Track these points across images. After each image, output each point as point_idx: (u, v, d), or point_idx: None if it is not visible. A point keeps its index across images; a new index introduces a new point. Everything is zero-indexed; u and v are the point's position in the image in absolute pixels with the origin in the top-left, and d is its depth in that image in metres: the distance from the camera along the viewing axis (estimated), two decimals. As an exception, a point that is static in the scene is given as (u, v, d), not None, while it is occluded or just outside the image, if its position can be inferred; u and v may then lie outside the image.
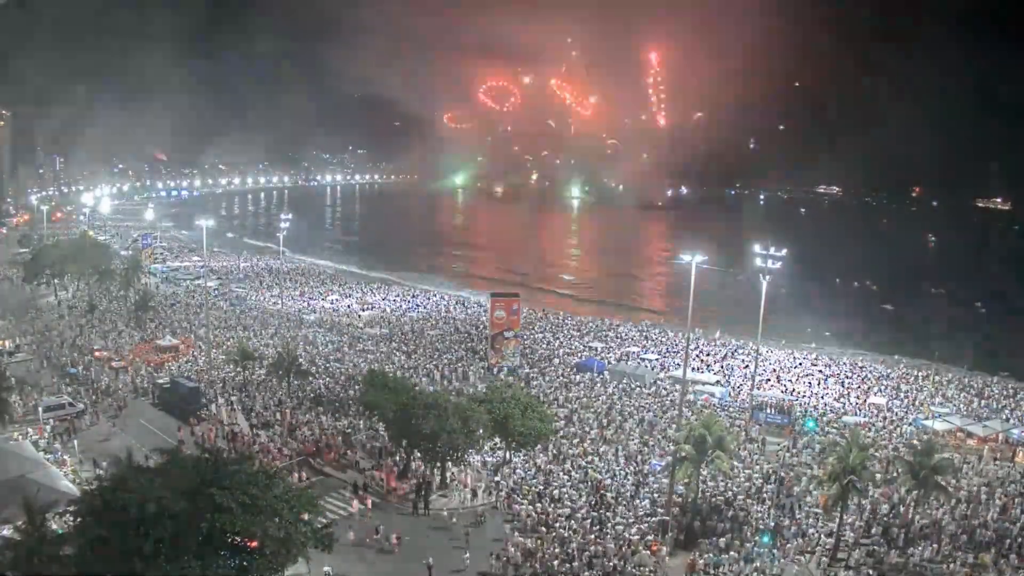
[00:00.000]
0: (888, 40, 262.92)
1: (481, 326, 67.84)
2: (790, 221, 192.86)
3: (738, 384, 54.81)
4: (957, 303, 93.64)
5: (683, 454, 33.47)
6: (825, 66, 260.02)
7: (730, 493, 36.21)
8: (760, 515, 34.16)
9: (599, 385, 52.49)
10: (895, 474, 35.73)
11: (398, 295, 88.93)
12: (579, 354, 61.85)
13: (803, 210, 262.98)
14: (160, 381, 49.92)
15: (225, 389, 50.12)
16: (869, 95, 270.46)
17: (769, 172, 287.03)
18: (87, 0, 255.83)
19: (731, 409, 48.61)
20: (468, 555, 30.78)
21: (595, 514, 33.96)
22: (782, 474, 38.28)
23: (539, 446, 40.10)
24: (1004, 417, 48.21)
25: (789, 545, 31.94)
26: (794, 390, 53.54)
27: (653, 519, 33.53)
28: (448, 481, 38.09)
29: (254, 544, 22.74)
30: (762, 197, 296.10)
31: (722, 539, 32.18)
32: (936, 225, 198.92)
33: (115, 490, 22.01)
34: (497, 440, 40.21)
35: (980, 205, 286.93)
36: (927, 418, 46.87)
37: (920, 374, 58.64)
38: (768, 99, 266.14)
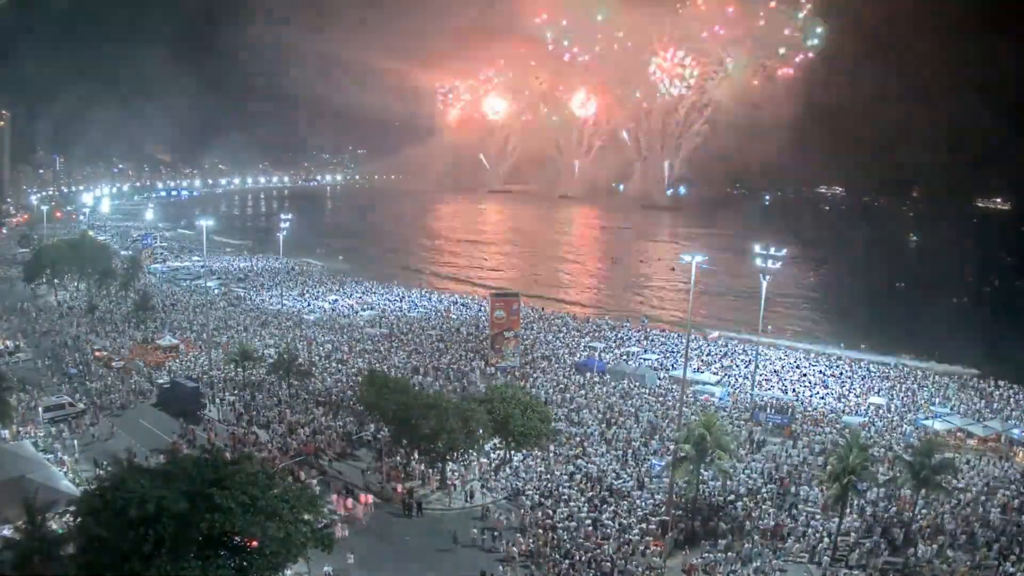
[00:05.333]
0: (889, 39, 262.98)
1: (481, 326, 67.88)
2: (792, 222, 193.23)
3: (737, 384, 54.85)
4: (951, 303, 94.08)
5: (683, 454, 33.48)
6: (825, 65, 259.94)
7: (732, 496, 36.17)
8: (760, 515, 34.15)
9: (599, 385, 52.47)
10: (897, 473, 35.70)
11: (398, 295, 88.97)
12: (579, 354, 61.87)
13: (827, 207, 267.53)
14: (160, 381, 49.95)
15: (225, 388, 50.15)
16: (871, 94, 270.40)
17: (770, 172, 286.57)
18: (87, 0, 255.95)
19: (731, 409, 48.64)
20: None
21: (595, 514, 33.96)
22: (783, 473, 38.32)
23: (539, 446, 40.11)
24: (1004, 417, 48.22)
25: (788, 545, 31.96)
26: (794, 390, 53.59)
27: (653, 519, 33.53)
28: (447, 481, 38.08)
29: (254, 544, 22.74)
30: (767, 198, 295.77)
31: (722, 539, 32.20)
32: (933, 225, 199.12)
33: (115, 490, 22.00)
34: (497, 440, 40.19)
35: (980, 205, 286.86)
36: (927, 418, 46.87)
37: (920, 374, 58.61)
38: (768, 98, 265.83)
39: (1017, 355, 61.48)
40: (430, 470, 38.59)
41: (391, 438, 39.51)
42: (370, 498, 35.80)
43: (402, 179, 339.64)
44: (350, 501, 35.07)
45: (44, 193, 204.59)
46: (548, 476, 37.92)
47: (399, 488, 37.04)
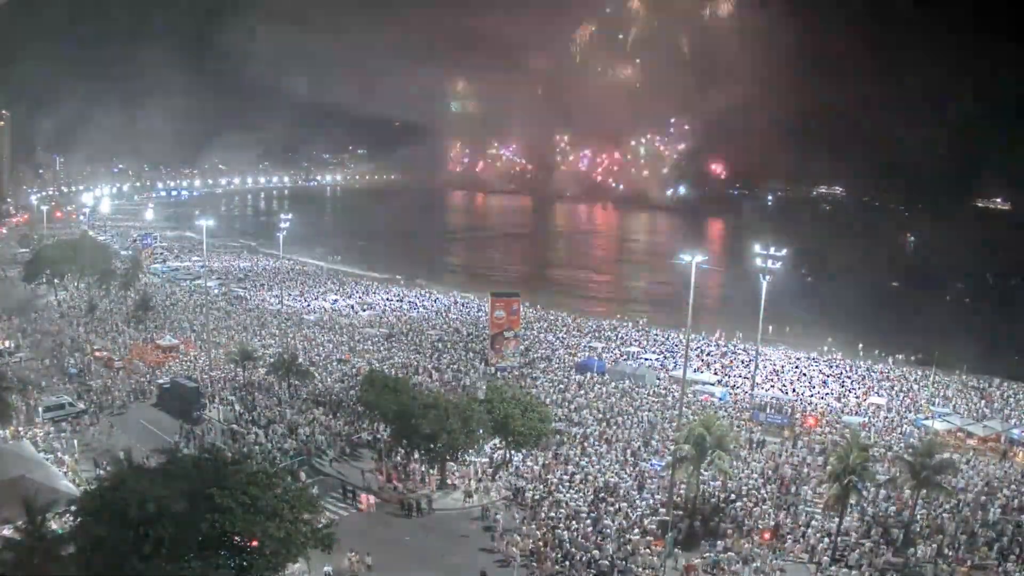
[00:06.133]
0: (889, 39, 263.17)
1: (481, 326, 67.87)
2: (797, 222, 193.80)
3: (737, 384, 54.88)
4: (946, 302, 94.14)
5: (683, 454, 33.47)
6: (826, 65, 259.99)
7: (732, 496, 36.15)
8: (760, 515, 34.14)
9: (599, 385, 52.47)
10: (897, 473, 35.70)
11: (398, 295, 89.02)
12: (579, 354, 61.86)
13: (827, 207, 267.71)
14: (160, 381, 49.93)
15: (225, 388, 50.13)
16: (871, 94, 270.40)
17: (771, 172, 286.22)
18: (88, 0, 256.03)
19: (731, 409, 48.66)
20: None
21: (595, 514, 33.96)
22: (784, 471, 38.35)
23: (539, 446, 40.08)
24: (1004, 417, 48.23)
25: (788, 545, 31.96)
26: (794, 390, 53.61)
27: (653, 519, 33.53)
28: (447, 481, 38.07)
29: (254, 544, 22.75)
30: (770, 198, 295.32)
31: (722, 540, 32.20)
32: (932, 225, 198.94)
33: (115, 490, 22.02)
34: (497, 441, 40.18)
35: (980, 205, 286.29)
36: (927, 418, 46.88)
37: (920, 374, 58.62)
38: (769, 99, 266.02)
39: (1016, 355, 61.61)
40: (431, 470, 38.58)
41: (391, 438, 39.51)
42: (372, 498, 35.86)
43: (400, 179, 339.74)
44: (372, 498, 35.46)
45: (44, 193, 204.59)
46: (548, 476, 37.91)
47: (403, 488, 37.04)
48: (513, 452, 40.08)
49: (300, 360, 52.18)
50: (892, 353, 64.04)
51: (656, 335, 71.43)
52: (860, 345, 66.59)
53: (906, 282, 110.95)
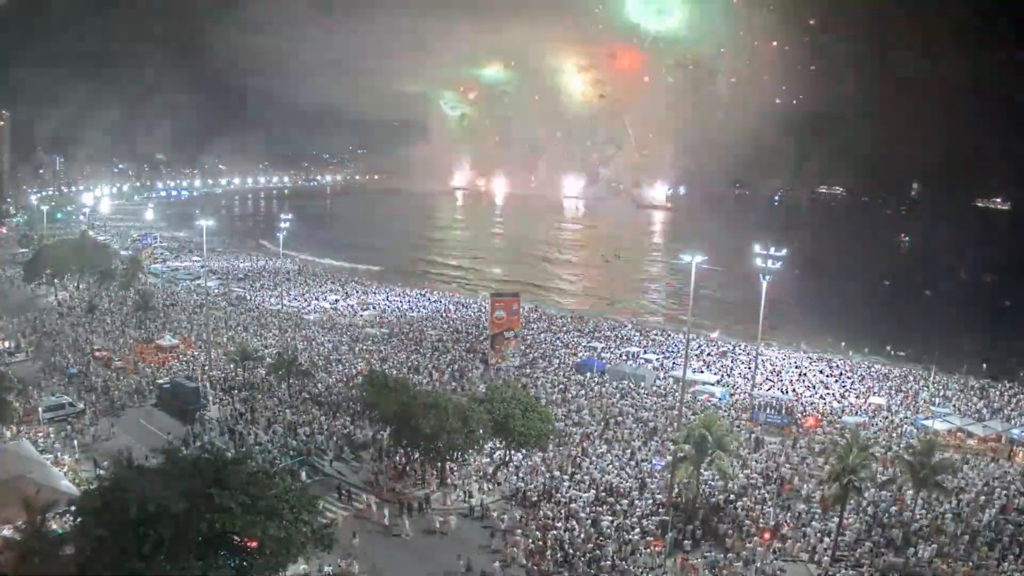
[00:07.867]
0: (889, 39, 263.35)
1: (481, 326, 67.85)
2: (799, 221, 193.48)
3: (736, 384, 54.85)
4: (933, 301, 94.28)
5: (683, 454, 33.46)
6: (826, 65, 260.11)
7: (732, 496, 36.13)
8: (760, 515, 34.12)
9: (599, 385, 52.44)
10: (897, 473, 35.67)
11: (398, 295, 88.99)
12: (579, 354, 61.83)
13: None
14: (160, 381, 49.92)
15: (225, 388, 50.11)
16: (871, 94, 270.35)
17: (772, 172, 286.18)
18: (88, 1, 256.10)
19: (731, 409, 48.62)
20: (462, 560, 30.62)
21: (595, 514, 33.94)
22: (783, 472, 38.34)
23: (539, 446, 40.06)
24: (1004, 417, 48.20)
25: (788, 545, 31.94)
26: (794, 390, 53.58)
27: (653, 519, 33.52)
28: (447, 481, 38.04)
29: (254, 544, 22.74)
30: (776, 197, 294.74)
31: (721, 540, 32.18)
32: (930, 225, 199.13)
33: (115, 490, 22.02)
34: (497, 441, 40.13)
35: (980, 205, 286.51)
36: (927, 418, 46.86)
37: (920, 374, 58.58)
38: (770, 98, 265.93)
39: (1015, 354, 61.58)
40: (431, 470, 38.56)
41: (391, 438, 39.49)
42: (372, 498, 35.86)
43: (398, 178, 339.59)
44: (372, 498, 35.49)
45: (44, 193, 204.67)
46: (548, 476, 37.90)
47: (403, 488, 37.03)
48: (513, 452, 40.06)
49: (300, 360, 52.19)
50: (878, 347, 64.08)
51: (656, 335, 71.42)
52: (843, 343, 66.80)
53: (898, 282, 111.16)
